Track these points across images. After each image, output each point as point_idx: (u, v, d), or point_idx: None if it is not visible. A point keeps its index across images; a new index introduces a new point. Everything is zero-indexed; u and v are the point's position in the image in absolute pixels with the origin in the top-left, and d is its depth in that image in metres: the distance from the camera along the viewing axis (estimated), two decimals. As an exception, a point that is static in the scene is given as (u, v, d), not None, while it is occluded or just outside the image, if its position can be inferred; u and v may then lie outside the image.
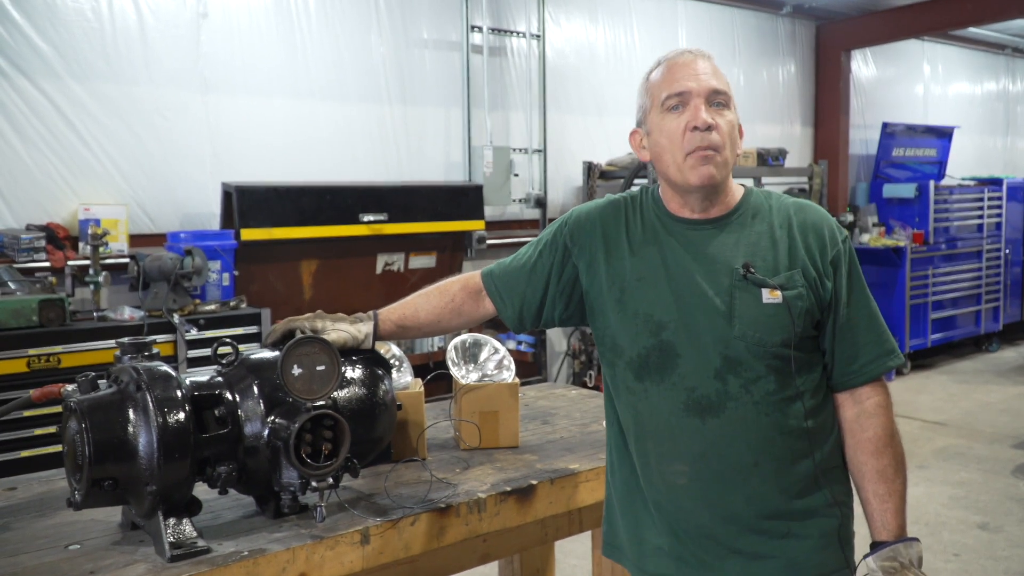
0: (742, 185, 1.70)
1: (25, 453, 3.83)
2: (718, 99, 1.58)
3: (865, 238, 8.37)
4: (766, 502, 1.57)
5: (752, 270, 1.56)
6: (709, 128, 1.55)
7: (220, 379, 1.70)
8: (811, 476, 1.59)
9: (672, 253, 1.62)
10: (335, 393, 1.69)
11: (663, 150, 1.61)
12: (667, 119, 1.59)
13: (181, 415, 1.56)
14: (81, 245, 4.47)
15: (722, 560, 1.60)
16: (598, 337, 1.72)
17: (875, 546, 1.59)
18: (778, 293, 1.55)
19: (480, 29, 6.14)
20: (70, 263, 4.30)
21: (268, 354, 1.74)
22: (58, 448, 1.65)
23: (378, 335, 1.82)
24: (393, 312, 1.85)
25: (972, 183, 9.30)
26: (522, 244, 1.91)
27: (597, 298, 1.69)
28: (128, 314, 4.19)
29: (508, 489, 1.91)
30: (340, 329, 1.78)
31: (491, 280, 1.83)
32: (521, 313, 1.79)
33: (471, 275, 1.87)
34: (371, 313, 1.85)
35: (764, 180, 7.41)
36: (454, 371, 2.28)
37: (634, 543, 1.71)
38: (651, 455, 1.63)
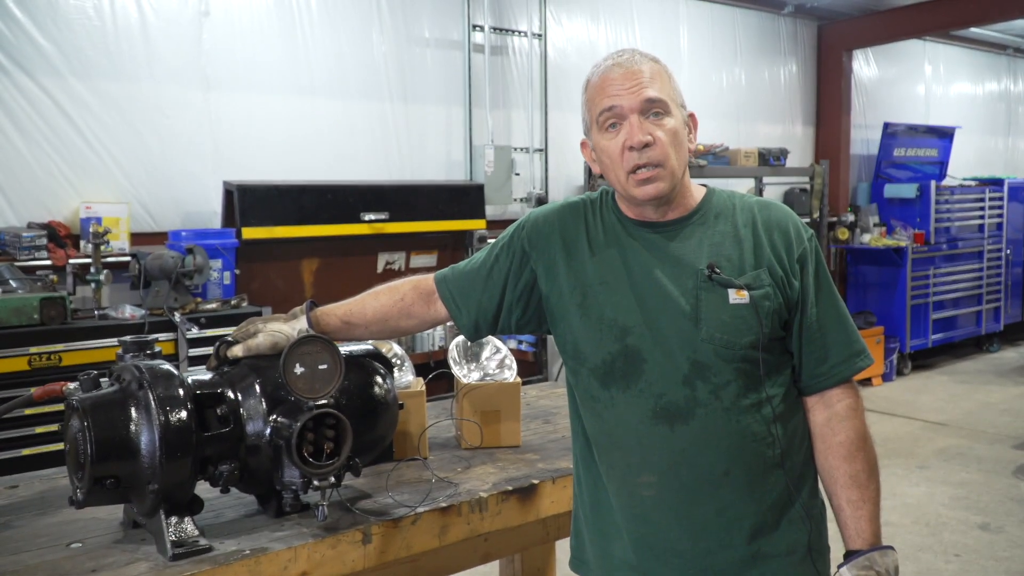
0: (704, 186, 1.65)
1: (26, 451, 3.83)
2: (655, 108, 1.51)
3: (866, 238, 8.36)
4: (737, 514, 1.52)
5: (717, 270, 1.51)
6: (646, 146, 1.50)
7: (222, 378, 1.70)
8: (783, 485, 1.54)
9: (635, 256, 1.57)
10: (337, 392, 1.68)
11: (606, 168, 1.57)
12: (605, 138, 1.54)
13: (183, 413, 1.57)
14: (82, 243, 4.47)
15: None
16: (559, 344, 1.65)
17: (849, 555, 1.54)
18: (745, 293, 1.50)
19: (481, 28, 6.14)
20: (71, 261, 4.30)
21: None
22: (59, 446, 1.65)
23: (320, 330, 1.74)
24: (339, 308, 1.77)
25: (973, 183, 9.29)
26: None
27: (558, 303, 1.63)
28: (129, 312, 4.19)
29: (510, 488, 1.91)
30: (272, 331, 1.73)
31: (445, 286, 1.75)
32: (477, 321, 1.72)
33: (423, 277, 1.80)
34: (304, 306, 1.78)
35: (765, 180, 7.41)
36: (456, 370, 2.28)
37: (601, 558, 1.65)
38: (618, 466, 1.57)
